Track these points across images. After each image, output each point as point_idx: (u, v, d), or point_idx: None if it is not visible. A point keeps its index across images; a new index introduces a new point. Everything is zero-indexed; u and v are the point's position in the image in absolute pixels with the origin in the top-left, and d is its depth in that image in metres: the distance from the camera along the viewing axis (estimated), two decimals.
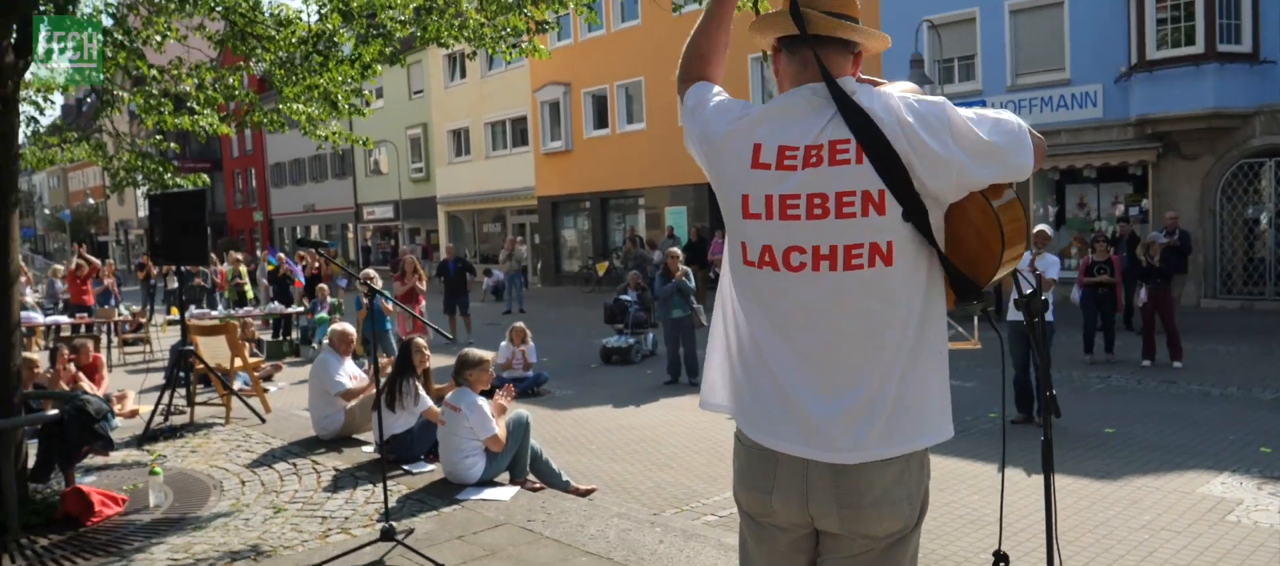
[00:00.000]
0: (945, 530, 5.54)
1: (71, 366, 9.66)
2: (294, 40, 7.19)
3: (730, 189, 2.07)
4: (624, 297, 14.15)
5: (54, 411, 6.00)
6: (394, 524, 5.04)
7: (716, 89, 2.24)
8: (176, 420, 8.70)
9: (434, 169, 35.26)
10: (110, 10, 7.80)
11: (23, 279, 16.03)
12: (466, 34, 7.38)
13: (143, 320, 16.24)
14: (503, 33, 7.36)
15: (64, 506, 5.65)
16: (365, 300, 10.13)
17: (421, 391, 6.97)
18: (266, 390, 10.70)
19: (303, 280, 17.96)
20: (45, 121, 9.17)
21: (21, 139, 9.26)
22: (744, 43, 2.39)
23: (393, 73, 35.35)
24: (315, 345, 14.02)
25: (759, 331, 2.07)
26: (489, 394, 6.49)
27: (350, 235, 41.84)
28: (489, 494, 5.91)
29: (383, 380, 6.49)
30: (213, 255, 27.26)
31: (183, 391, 9.11)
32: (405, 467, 6.66)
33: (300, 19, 7.28)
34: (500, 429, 6.14)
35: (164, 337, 16.23)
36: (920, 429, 2.02)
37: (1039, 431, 2.41)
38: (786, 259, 1.99)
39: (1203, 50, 15.80)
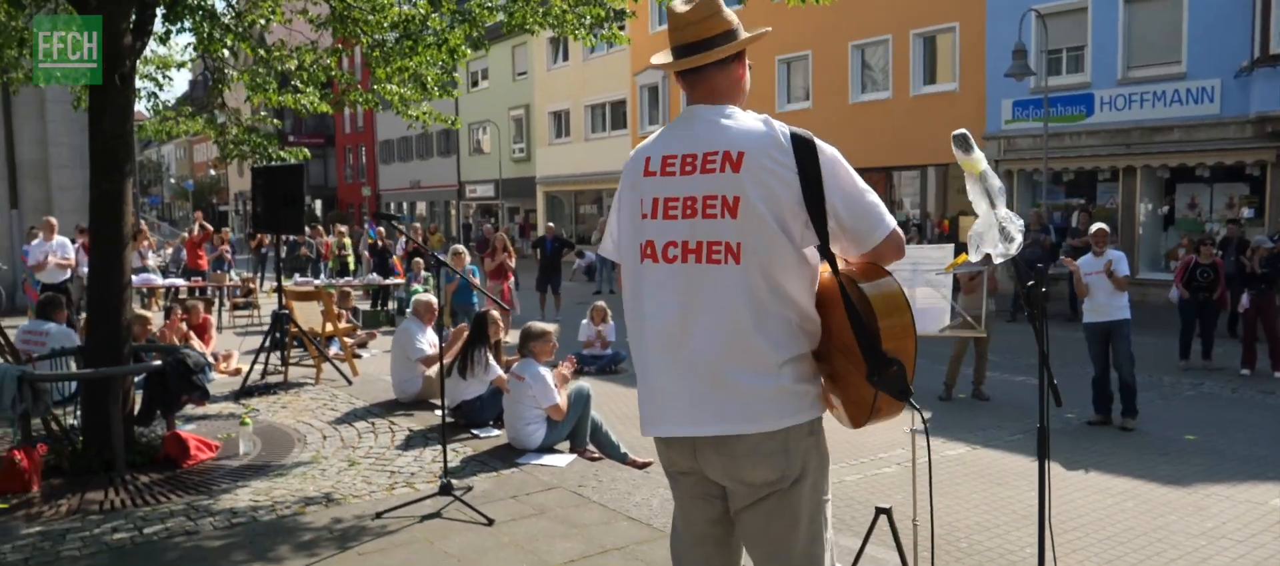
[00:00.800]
0: (998, 524, 5.54)
1: (183, 325, 10.42)
2: (386, 24, 7.57)
3: (631, 206, 2.35)
4: None
5: (158, 363, 6.56)
6: (454, 481, 5.37)
7: None
8: (272, 379, 9.30)
9: (535, 149, 36.00)
10: None
11: (146, 244, 17.20)
12: (551, 20, 7.64)
13: (253, 286, 17.19)
14: (583, 21, 7.59)
15: (164, 449, 6.19)
16: (454, 274, 10.55)
17: (492, 361, 7.30)
18: (359, 356, 11.27)
19: (399, 256, 18.67)
20: (168, 97, 9.88)
21: (145, 112, 10.02)
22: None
23: (498, 55, 36.42)
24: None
25: (638, 336, 2.34)
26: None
27: (453, 212, 43.08)
28: (547, 459, 6.19)
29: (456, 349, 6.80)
30: (319, 227, 28.54)
31: (279, 353, 9.71)
32: (474, 431, 7.01)
33: (393, 5, 7.65)
34: (562, 399, 6.41)
35: (271, 304, 17.12)
36: (748, 413, 2.20)
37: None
38: (665, 252, 2.26)
39: None
